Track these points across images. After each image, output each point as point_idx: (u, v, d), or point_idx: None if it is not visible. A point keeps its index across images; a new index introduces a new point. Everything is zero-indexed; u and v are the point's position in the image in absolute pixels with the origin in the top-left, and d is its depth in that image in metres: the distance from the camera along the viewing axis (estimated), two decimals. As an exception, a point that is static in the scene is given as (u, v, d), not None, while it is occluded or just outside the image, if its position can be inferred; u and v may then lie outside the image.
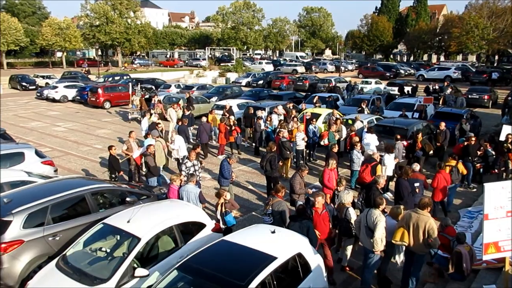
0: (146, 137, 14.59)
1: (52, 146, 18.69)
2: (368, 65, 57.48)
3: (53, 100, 31.93)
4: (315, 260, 7.04)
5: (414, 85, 32.92)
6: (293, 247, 6.79)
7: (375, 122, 17.22)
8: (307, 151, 16.27)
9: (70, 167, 15.73)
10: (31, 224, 7.84)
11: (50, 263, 7.34)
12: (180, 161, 13.93)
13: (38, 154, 13.01)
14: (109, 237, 7.73)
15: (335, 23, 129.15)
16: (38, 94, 34.11)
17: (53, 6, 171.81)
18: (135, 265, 6.90)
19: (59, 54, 68.34)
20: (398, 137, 13.89)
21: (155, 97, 23.66)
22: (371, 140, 14.27)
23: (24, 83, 40.22)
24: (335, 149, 12.96)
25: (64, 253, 7.42)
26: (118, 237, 7.57)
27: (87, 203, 8.74)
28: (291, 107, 19.54)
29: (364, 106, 21.09)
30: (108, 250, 7.44)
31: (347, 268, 8.84)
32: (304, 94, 29.38)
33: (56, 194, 8.42)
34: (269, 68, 57.67)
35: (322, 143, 15.73)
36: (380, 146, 13.93)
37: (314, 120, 16.80)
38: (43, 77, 42.09)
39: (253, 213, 11.75)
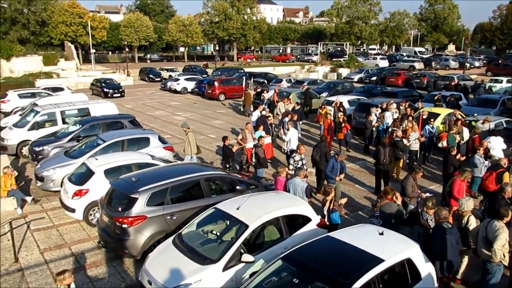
0: (256, 129, 15.07)
1: (172, 133, 20.35)
2: (499, 61, 51.54)
3: (175, 92, 34.76)
4: (426, 268, 6.60)
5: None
6: (402, 251, 6.45)
7: (504, 125, 15.44)
8: (422, 153, 15.25)
9: (187, 154, 16.95)
10: (153, 203, 8.66)
11: (167, 239, 8.04)
12: (289, 154, 14.10)
13: (161, 140, 14.29)
14: (219, 221, 8.19)
15: (462, 15, 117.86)
16: (162, 86, 37.46)
17: (178, 4, 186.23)
18: (242, 251, 7.21)
19: (181, 49, 73.98)
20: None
21: (265, 92, 24.21)
22: (497, 144, 12.84)
23: (151, 75, 44.45)
24: (454, 152, 11.94)
25: (179, 232, 8.07)
26: (228, 222, 7.98)
27: (201, 188, 9.37)
28: (406, 106, 18.47)
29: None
30: (218, 234, 7.89)
31: (459, 281, 8.11)
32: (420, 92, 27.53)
33: (175, 178, 9.18)
34: (384, 63, 55.12)
35: (440, 145, 14.60)
36: (508, 151, 12.46)
37: (432, 120, 15.67)
38: (167, 70, 46.02)
39: (360, 212, 11.43)
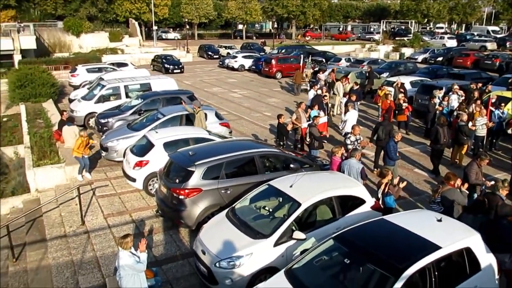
0: (311, 108, 14.89)
1: (228, 110, 20.65)
2: None
3: (232, 69, 35.07)
4: (487, 259, 6.28)
5: None
6: (462, 240, 6.16)
7: None
8: (489, 139, 14.33)
9: (242, 130, 17.19)
10: (209, 176, 8.90)
11: (221, 212, 8.27)
12: (345, 134, 13.85)
13: (218, 116, 14.55)
14: (272, 198, 8.27)
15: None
16: (220, 63, 37.90)
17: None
18: (294, 228, 7.25)
19: (240, 26, 74.09)
20: None
21: (321, 73, 23.65)
22: None
23: (209, 52, 45.08)
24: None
25: (233, 206, 8.26)
26: (281, 199, 8.03)
27: (255, 164, 9.47)
28: (474, 88, 17.33)
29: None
30: (271, 210, 7.98)
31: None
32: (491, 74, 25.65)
33: (230, 153, 9.35)
34: (452, 43, 51.82)
35: (509, 131, 13.67)
36: None
37: (503, 104, 14.61)
38: (225, 47, 46.39)
39: (416, 198, 11.04)
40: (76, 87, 23.03)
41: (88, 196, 10.93)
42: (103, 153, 13.12)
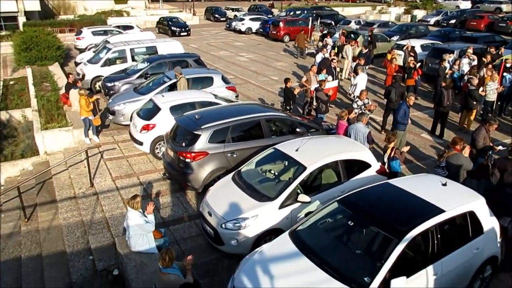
0: (319, 72, 14.69)
1: (235, 74, 20.44)
2: None
3: (239, 32, 34.42)
4: (489, 222, 6.35)
5: None
6: (465, 203, 6.21)
7: None
8: (498, 104, 14.11)
9: (248, 95, 17.08)
10: (215, 140, 8.93)
11: (227, 175, 8.35)
12: (353, 98, 13.73)
13: (224, 80, 14.42)
14: (278, 161, 8.32)
15: None
16: (227, 26, 37.16)
17: None
18: (299, 191, 7.33)
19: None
20: None
21: (328, 37, 23.12)
22: None
23: (216, 15, 44.09)
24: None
25: (239, 169, 8.33)
26: (286, 163, 8.08)
27: (261, 128, 9.47)
28: (488, 51, 16.91)
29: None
30: (276, 173, 8.05)
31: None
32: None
33: (236, 117, 9.33)
34: (466, 5, 50.06)
35: (520, 96, 13.42)
36: None
37: (515, 68, 14.29)
38: (232, 9, 45.30)
39: (422, 162, 11.04)
40: (82, 50, 22.82)
41: (96, 159, 11.07)
42: (110, 117, 13.16)
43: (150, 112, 11.15)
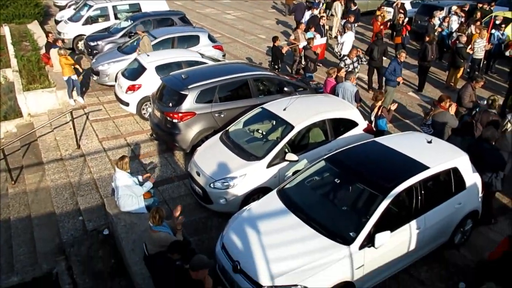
0: (307, 30, 14.42)
1: (221, 33, 19.97)
2: None
3: (226, -12, 33.27)
4: (472, 178, 6.50)
5: None
6: (449, 160, 6.32)
7: None
8: (484, 62, 14.11)
9: (236, 54, 16.78)
10: (202, 100, 8.83)
11: (215, 135, 8.33)
12: (341, 57, 13.60)
13: (211, 38, 14.09)
14: (265, 121, 8.31)
15: None
16: (213, -18, 35.83)
17: None
18: (286, 150, 7.37)
19: None
20: None
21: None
22: None
23: (201, -30, 42.44)
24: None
25: (227, 129, 8.31)
26: (274, 122, 8.08)
27: (249, 87, 9.37)
28: (478, 8, 16.70)
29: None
30: (264, 133, 8.06)
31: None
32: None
33: (223, 76, 9.19)
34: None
35: (507, 53, 13.42)
36: None
37: (503, 26, 14.19)
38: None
39: (409, 121, 11.13)
40: (61, 8, 21.92)
41: (82, 120, 10.92)
42: (95, 77, 12.87)
43: (135, 72, 10.91)
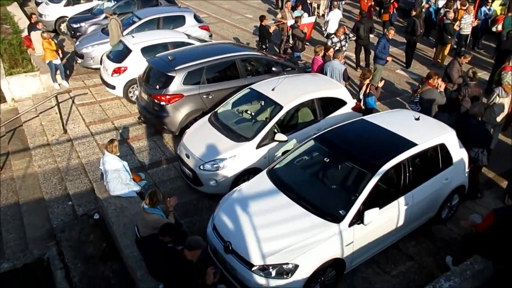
0: (294, 8, 14.26)
1: (208, 13, 19.65)
2: None
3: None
4: (459, 154, 6.58)
5: None
6: (437, 137, 6.38)
7: None
8: (471, 39, 14.12)
9: (223, 34, 16.57)
10: (190, 82, 8.74)
11: (203, 117, 8.28)
12: (328, 36, 13.51)
13: (197, 19, 13.85)
14: (254, 101, 8.27)
15: None
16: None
17: None
18: (276, 130, 7.37)
19: None
20: None
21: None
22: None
23: None
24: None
25: (215, 110, 8.25)
26: (263, 102, 8.04)
27: (236, 68, 9.28)
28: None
29: None
30: (253, 113, 8.03)
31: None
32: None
33: (211, 57, 9.07)
34: None
35: (494, 29, 13.45)
36: None
37: (490, 1, 14.18)
38: None
39: (398, 98, 11.17)
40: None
41: (68, 104, 10.75)
42: (79, 61, 12.63)
43: (120, 54, 10.72)
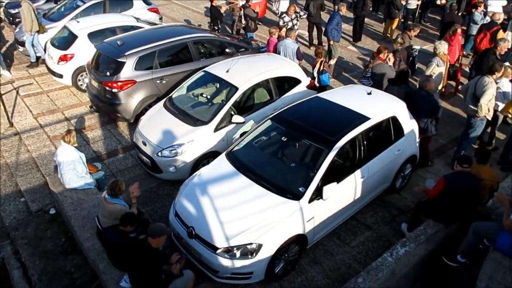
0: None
1: (156, -6, 19.02)
2: None
3: None
4: (409, 125, 6.86)
5: None
6: (388, 109, 6.61)
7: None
8: (419, 12, 14.59)
9: (173, 16, 16.15)
10: (142, 67, 8.51)
11: (158, 103, 8.11)
12: (279, 15, 13.48)
13: (145, 1, 13.38)
14: (209, 84, 8.18)
15: None
16: None
17: None
18: (232, 112, 7.35)
19: None
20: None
21: None
22: (496, 1, 12.22)
23: None
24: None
25: (170, 95, 8.10)
26: (218, 85, 7.97)
27: (189, 51, 9.12)
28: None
29: None
30: (208, 96, 7.95)
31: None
32: None
33: (162, 41, 8.85)
34: None
35: (438, 2, 13.93)
36: (508, 7, 11.95)
37: (433, -25, 14.61)
38: None
39: (351, 74, 11.40)
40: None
41: (12, 96, 10.18)
42: (20, 49, 11.94)
43: (66, 40, 10.22)
